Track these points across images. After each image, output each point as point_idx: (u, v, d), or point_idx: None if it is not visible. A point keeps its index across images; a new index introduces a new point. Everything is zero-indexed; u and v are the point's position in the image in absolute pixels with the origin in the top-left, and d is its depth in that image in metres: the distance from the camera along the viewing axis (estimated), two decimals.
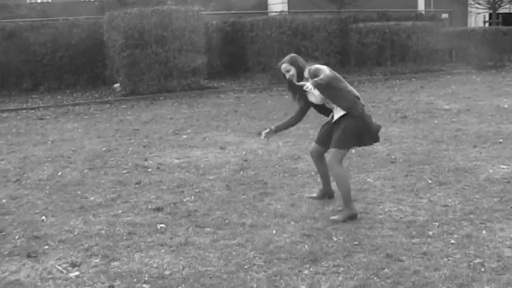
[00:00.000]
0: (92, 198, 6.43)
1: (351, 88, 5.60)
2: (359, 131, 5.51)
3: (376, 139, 5.69)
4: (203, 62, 15.94)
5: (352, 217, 5.49)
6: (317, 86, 5.37)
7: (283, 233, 5.12)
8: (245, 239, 5.03)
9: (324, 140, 5.79)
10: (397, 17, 21.19)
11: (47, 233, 5.36)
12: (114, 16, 15.24)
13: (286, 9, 25.43)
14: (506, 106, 11.88)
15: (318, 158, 5.95)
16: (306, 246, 4.79)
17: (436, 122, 10.40)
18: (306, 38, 17.37)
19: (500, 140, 8.58)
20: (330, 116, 5.79)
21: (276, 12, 21.82)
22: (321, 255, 4.60)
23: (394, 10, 22.37)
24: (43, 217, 5.80)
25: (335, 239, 4.98)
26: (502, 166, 7.15)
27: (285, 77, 5.74)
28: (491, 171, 6.96)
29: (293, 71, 5.67)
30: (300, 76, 5.65)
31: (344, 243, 4.88)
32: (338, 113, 5.60)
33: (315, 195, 6.18)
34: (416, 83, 17.18)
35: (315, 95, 5.67)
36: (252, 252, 4.71)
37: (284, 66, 5.71)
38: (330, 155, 5.59)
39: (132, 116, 12.26)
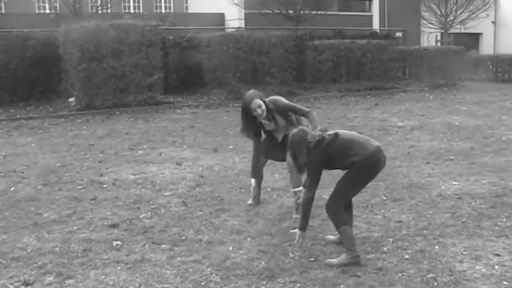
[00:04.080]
0: (46, 214, 6.31)
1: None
2: None
3: None
4: (159, 77, 15.91)
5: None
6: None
7: (240, 250, 5.13)
8: (202, 256, 5.02)
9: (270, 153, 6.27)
10: (352, 35, 21.61)
11: None
12: (70, 29, 15.09)
13: (243, 25, 25.65)
14: (457, 124, 12.19)
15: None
16: (263, 263, 4.81)
17: (390, 138, 10.59)
18: (262, 54, 17.47)
19: (452, 157, 8.79)
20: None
21: (233, 28, 21.96)
22: (277, 271, 4.62)
23: (349, 28, 22.88)
24: None
25: (291, 255, 5.01)
26: (454, 182, 7.32)
27: (254, 113, 5.74)
28: (443, 187, 7.11)
29: (264, 106, 5.73)
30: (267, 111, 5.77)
31: (300, 260, 4.91)
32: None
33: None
34: (371, 100, 17.47)
35: (276, 124, 5.91)
36: (209, 269, 4.70)
37: (257, 102, 5.70)
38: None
39: (87, 130, 12.12)
